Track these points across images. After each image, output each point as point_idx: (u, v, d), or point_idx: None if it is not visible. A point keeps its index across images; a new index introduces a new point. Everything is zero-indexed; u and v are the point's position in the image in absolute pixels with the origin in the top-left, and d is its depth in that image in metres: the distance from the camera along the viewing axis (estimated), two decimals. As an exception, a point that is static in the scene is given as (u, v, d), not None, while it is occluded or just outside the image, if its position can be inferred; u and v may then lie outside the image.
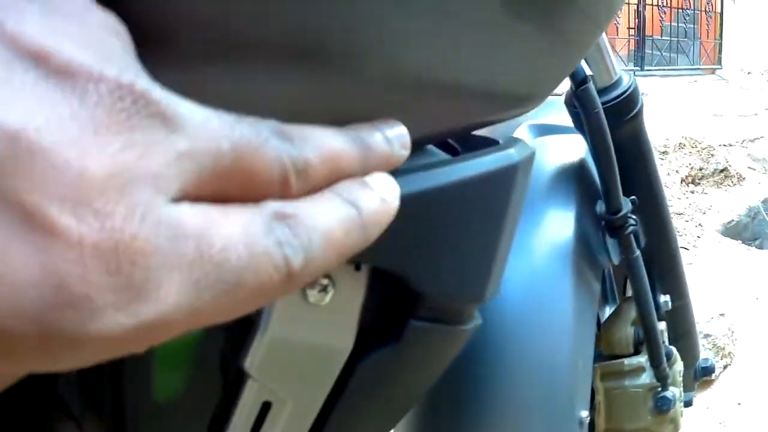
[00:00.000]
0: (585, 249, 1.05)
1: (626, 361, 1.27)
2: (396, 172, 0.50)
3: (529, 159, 0.56)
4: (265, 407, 0.53)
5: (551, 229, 1.00)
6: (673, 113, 6.75)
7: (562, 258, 0.99)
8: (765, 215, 5.61)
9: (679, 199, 5.45)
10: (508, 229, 0.56)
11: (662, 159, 5.69)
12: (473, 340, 0.64)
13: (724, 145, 6.81)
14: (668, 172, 5.60)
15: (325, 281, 0.50)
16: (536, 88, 0.55)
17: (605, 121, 1.02)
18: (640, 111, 1.13)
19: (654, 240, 1.28)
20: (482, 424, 0.91)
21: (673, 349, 1.31)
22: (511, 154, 0.54)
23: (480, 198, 0.53)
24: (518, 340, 0.92)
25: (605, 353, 1.32)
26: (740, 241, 5.19)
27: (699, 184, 6.02)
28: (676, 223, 4.91)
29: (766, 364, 3.22)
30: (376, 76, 0.42)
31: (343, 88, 0.41)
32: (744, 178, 6.19)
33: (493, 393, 0.91)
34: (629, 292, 1.32)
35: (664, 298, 1.35)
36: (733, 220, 5.51)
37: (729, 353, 3.19)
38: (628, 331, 1.27)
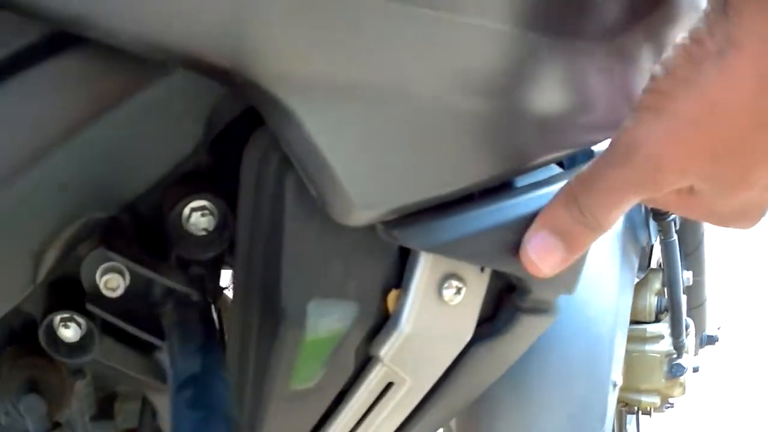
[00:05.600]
0: (630, 228, 1.13)
1: (648, 328, 1.38)
2: (521, 190, 0.58)
3: None
4: (387, 386, 0.61)
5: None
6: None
7: (612, 236, 1.08)
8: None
9: None
10: None
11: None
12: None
13: None
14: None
15: (459, 284, 0.57)
16: None
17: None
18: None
19: (685, 222, 1.36)
20: (529, 385, 1.01)
21: (691, 321, 1.41)
22: None
23: None
24: (567, 309, 0.99)
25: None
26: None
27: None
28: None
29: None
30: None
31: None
32: None
33: (541, 358, 1.00)
34: (653, 264, 1.41)
35: (687, 274, 1.44)
36: None
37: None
38: (651, 300, 1.38)
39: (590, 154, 0.69)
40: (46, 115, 0.42)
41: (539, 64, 0.48)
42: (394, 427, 0.67)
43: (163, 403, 0.69)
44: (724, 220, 0.51)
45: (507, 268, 0.57)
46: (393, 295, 0.56)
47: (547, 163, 0.58)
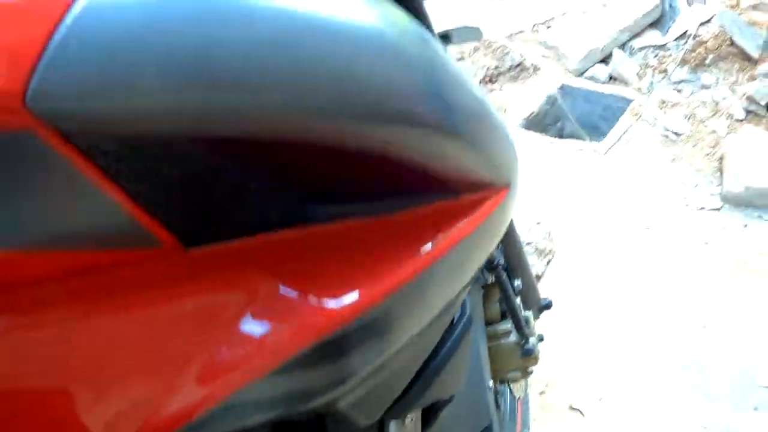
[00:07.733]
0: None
1: (498, 327, 1.80)
2: None
3: None
4: None
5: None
6: (464, 9, 6.64)
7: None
8: (561, 101, 6.01)
9: (480, 101, 5.47)
10: None
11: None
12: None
13: (516, 33, 6.93)
14: (467, 77, 5.58)
15: None
16: None
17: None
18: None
19: (510, 256, 1.82)
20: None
21: (529, 314, 1.86)
22: None
23: None
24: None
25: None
26: (543, 132, 5.62)
27: (496, 81, 6.30)
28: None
29: (581, 256, 3.82)
30: None
31: None
32: (539, 69, 6.46)
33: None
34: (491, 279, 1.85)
35: (517, 282, 1.86)
36: (533, 112, 5.86)
37: (550, 251, 3.72)
38: (495, 307, 1.80)
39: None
40: None
41: None
42: None
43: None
44: None
45: None
46: None
47: None
